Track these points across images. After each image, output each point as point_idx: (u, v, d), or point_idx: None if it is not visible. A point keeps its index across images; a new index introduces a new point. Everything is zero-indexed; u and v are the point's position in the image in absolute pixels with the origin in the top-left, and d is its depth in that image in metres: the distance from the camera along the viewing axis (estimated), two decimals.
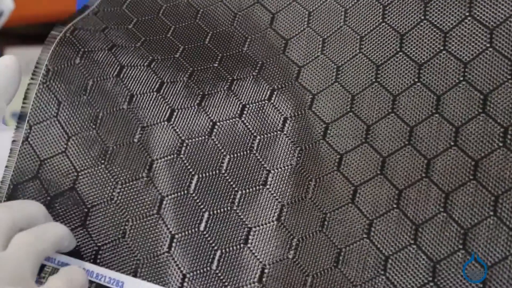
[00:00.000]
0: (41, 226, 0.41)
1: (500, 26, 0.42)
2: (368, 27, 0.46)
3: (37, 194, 0.44)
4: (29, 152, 0.45)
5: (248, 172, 0.44)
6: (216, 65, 0.47)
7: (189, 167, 0.44)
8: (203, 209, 0.43)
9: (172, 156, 0.44)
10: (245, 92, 0.46)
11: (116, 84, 0.46)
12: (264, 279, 0.42)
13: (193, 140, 0.44)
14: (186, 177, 0.44)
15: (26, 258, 0.38)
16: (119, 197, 0.43)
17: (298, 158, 0.44)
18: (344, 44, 0.46)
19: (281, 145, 0.45)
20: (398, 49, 0.45)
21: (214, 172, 0.44)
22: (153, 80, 0.46)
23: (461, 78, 0.42)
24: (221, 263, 0.42)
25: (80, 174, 0.44)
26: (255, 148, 0.45)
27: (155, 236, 0.42)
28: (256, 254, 0.42)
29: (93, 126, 0.45)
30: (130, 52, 0.47)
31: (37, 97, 0.45)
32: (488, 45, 0.42)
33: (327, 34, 0.47)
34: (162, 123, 0.45)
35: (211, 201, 0.43)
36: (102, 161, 0.44)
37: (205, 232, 0.43)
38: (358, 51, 0.46)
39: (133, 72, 0.46)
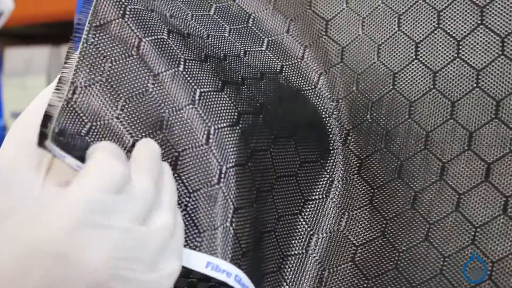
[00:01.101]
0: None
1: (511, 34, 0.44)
2: (385, 36, 0.47)
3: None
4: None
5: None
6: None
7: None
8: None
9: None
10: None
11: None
12: None
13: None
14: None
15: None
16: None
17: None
18: (361, 52, 0.48)
19: None
20: (414, 57, 0.46)
21: None
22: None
23: (475, 85, 0.44)
24: None
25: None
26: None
27: (217, 209, 0.39)
28: None
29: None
30: None
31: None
32: (500, 52, 0.44)
33: (345, 43, 0.49)
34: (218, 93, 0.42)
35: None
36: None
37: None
38: (376, 59, 0.47)
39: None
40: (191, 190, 0.39)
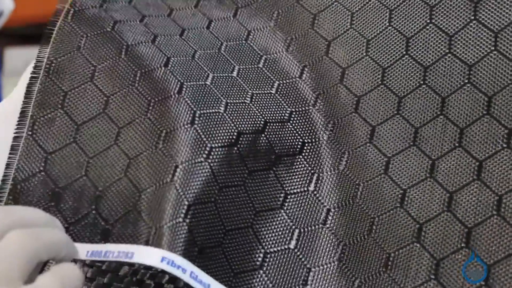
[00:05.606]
0: (37, 228, 0.38)
1: (505, 30, 0.43)
2: (375, 31, 0.47)
3: (43, 187, 0.44)
4: (34, 147, 0.44)
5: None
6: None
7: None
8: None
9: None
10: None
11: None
12: None
13: None
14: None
15: (15, 256, 0.35)
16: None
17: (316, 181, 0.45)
18: (350, 47, 0.47)
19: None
20: (404, 52, 0.45)
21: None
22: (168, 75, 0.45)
23: (466, 81, 0.43)
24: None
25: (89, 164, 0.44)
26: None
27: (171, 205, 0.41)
28: None
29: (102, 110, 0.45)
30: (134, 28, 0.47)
31: (40, 91, 0.45)
32: (492, 48, 0.43)
33: (332, 37, 0.48)
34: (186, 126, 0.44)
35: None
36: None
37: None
38: (364, 54, 0.47)
39: (139, 49, 0.46)
40: (140, 190, 0.42)
